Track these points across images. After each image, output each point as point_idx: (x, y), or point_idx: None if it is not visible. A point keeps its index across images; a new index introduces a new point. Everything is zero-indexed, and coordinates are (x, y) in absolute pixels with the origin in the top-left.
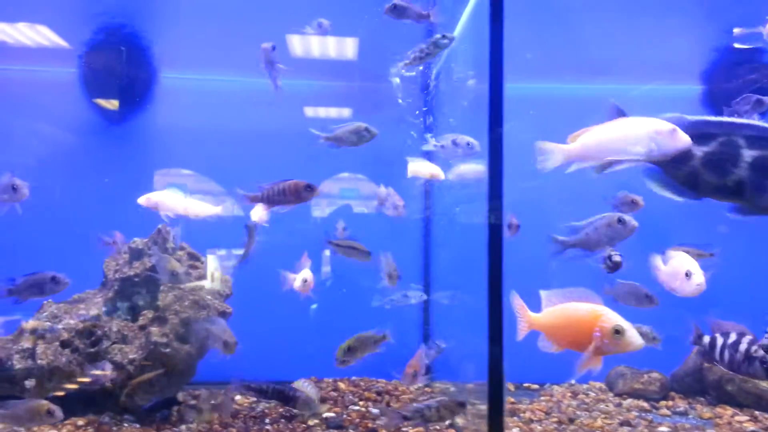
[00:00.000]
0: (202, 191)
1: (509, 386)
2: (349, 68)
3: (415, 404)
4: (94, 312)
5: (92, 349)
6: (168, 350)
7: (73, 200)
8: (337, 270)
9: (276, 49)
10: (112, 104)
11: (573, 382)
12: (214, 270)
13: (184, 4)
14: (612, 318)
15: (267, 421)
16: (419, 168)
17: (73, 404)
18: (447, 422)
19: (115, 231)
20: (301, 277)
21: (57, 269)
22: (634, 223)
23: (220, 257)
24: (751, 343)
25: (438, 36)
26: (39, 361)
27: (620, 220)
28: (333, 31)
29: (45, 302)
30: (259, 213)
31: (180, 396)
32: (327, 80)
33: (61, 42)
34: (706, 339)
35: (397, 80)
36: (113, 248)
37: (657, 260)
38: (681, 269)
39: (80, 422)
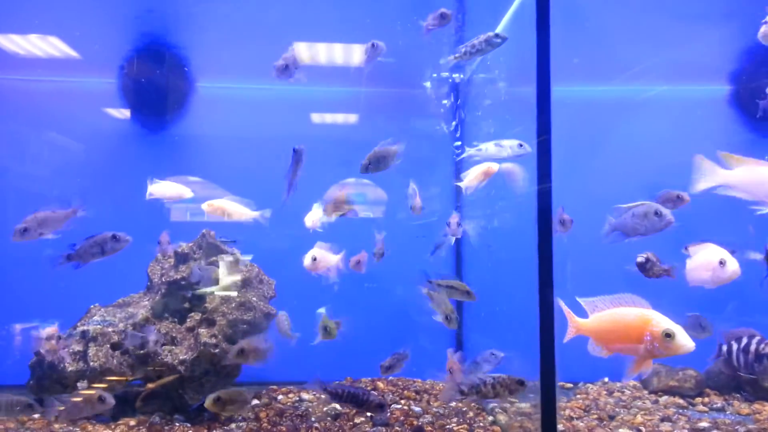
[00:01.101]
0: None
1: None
2: (382, 74)
3: (472, 378)
4: (142, 315)
5: (142, 351)
6: (217, 351)
7: (112, 207)
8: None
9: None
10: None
11: (606, 380)
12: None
13: (218, 14)
14: (662, 322)
15: (313, 419)
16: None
17: (124, 405)
18: (490, 419)
19: (164, 231)
20: (311, 255)
21: (100, 274)
22: (671, 218)
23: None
24: (759, 343)
25: (491, 34)
26: (91, 364)
27: (657, 213)
28: (364, 38)
29: (92, 306)
30: (313, 218)
31: None
32: (360, 87)
33: (72, 53)
34: (725, 348)
35: (429, 84)
36: (167, 248)
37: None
38: (713, 259)
39: (132, 422)
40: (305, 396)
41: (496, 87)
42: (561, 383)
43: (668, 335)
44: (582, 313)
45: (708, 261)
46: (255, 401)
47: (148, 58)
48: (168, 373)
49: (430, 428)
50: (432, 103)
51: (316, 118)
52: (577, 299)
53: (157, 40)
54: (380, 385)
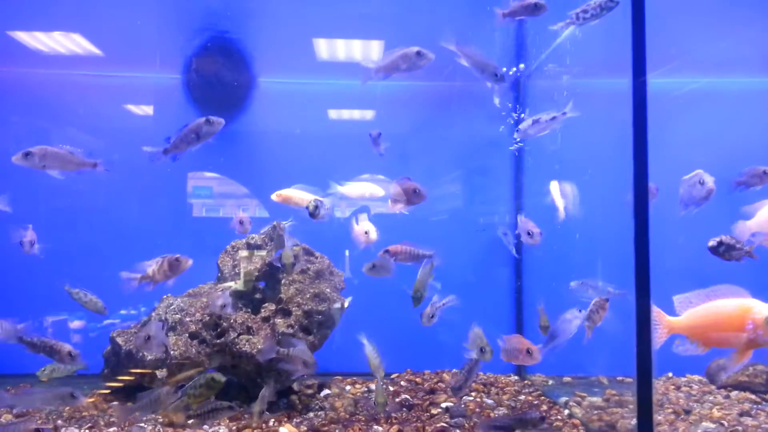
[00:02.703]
0: (228, 193)
1: (603, 380)
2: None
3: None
4: (219, 304)
5: (218, 341)
6: (294, 340)
7: (177, 200)
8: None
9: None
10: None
11: (670, 375)
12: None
13: (280, 9)
14: (764, 309)
15: (387, 409)
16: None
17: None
18: (566, 412)
19: (242, 212)
20: (362, 230)
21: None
22: (712, 186)
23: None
24: None
25: None
26: (171, 352)
27: (700, 181)
28: (427, 33)
29: (164, 296)
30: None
31: (295, 386)
32: (421, 81)
33: (95, 50)
34: None
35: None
36: (243, 236)
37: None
38: None
39: None
40: (373, 386)
41: (560, 80)
42: (620, 378)
43: None
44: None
45: None
46: (326, 390)
47: (212, 53)
48: (246, 362)
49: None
50: (492, 98)
51: (368, 114)
52: (673, 298)
53: (221, 34)
54: (446, 377)
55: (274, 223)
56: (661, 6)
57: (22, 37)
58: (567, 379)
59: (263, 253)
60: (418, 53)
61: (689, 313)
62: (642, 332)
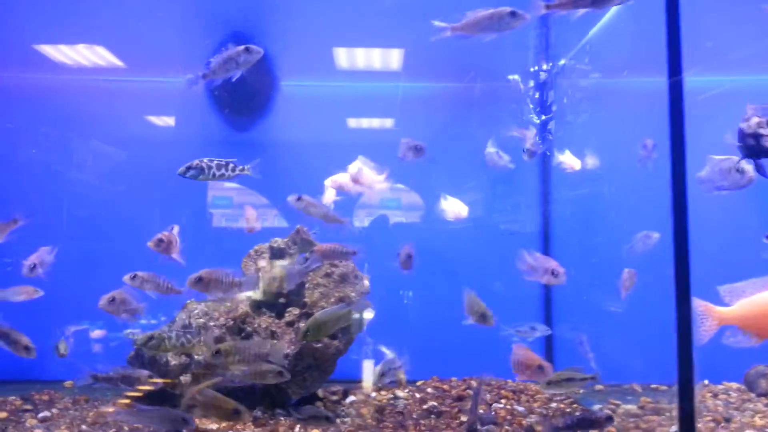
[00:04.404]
0: (247, 203)
1: (636, 387)
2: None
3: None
4: (242, 309)
5: None
6: (320, 345)
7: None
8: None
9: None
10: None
11: (706, 382)
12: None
13: (300, 11)
14: None
15: (414, 416)
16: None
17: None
18: None
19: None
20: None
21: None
22: (752, 174)
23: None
24: None
25: None
26: (196, 357)
27: (739, 169)
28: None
29: (188, 301)
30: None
31: (320, 392)
32: (445, 82)
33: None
34: None
35: (517, 77)
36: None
37: None
38: None
39: None
40: (399, 393)
41: (586, 80)
42: (654, 385)
43: None
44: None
45: None
46: (351, 397)
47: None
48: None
49: (540, 428)
50: (518, 99)
51: (387, 121)
52: (719, 288)
53: (244, 37)
54: (474, 383)
55: (298, 227)
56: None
57: (47, 50)
58: (598, 387)
59: (285, 261)
60: (513, 13)
61: (743, 303)
62: (683, 337)
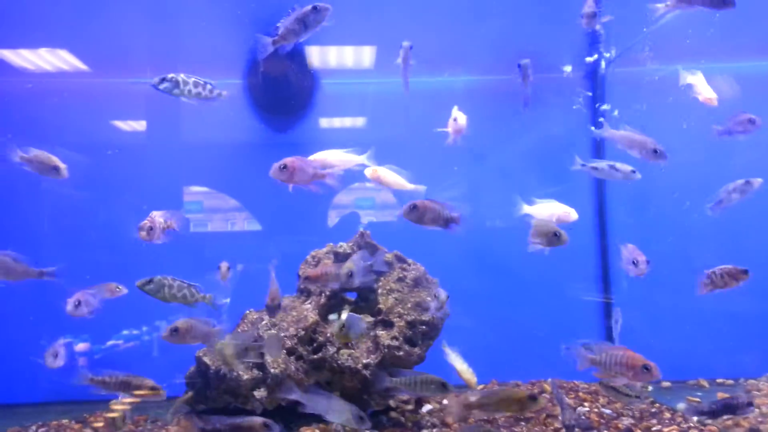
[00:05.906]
0: (217, 207)
1: (703, 383)
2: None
3: None
4: (312, 318)
5: (315, 356)
6: (401, 353)
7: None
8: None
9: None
10: None
11: None
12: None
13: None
14: None
15: (500, 423)
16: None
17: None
18: (695, 419)
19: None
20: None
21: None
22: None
23: None
24: None
25: None
26: (272, 370)
27: (747, 182)
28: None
29: (247, 311)
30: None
31: (392, 402)
32: (491, 75)
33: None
34: None
35: (569, 69)
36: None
37: None
38: None
39: (315, 430)
40: (472, 399)
41: (642, 69)
42: (720, 380)
43: None
44: None
45: None
46: (427, 406)
47: (279, 55)
48: (348, 377)
49: (638, 431)
50: (570, 90)
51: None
52: None
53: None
54: (546, 386)
55: (361, 230)
56: None
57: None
58: (666, 384)
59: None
60: None
61: None
62: None
